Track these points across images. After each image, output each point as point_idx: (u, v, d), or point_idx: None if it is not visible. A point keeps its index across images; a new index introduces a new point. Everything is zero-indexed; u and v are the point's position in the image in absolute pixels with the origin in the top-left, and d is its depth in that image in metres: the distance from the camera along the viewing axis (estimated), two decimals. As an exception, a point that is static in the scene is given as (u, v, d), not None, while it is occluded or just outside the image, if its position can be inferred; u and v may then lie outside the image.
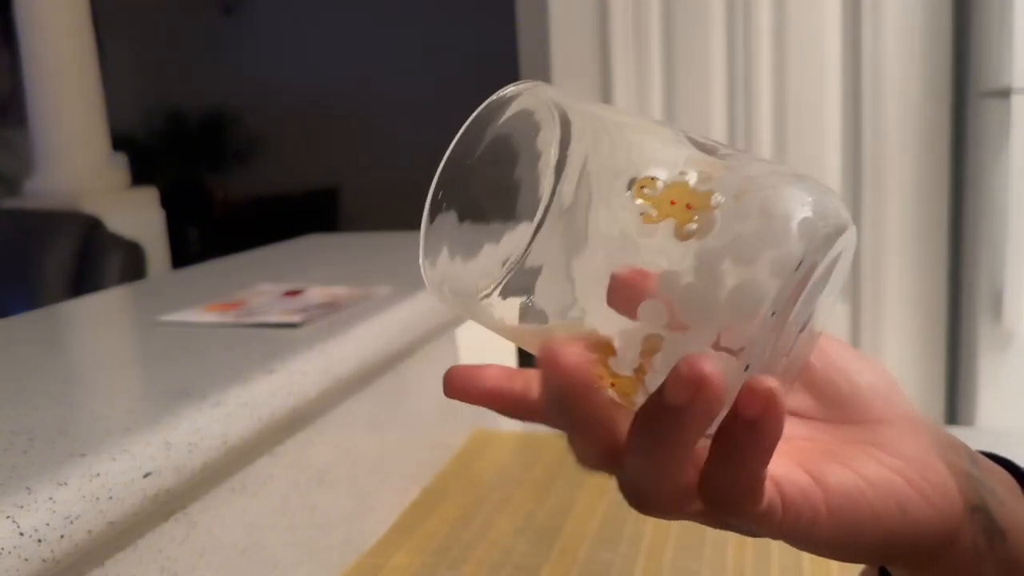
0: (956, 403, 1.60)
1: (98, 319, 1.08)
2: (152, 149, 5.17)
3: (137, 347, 0.90)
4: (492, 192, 0.30)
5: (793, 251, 0.27)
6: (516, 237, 0.28)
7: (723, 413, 0.26)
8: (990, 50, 1.46)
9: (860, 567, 0.44)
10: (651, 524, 0.84)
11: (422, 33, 5.29)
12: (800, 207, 0.28)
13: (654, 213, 0.28)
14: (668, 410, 0.25)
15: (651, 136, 0.31)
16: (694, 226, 0.27)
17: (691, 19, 1.60)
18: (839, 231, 0.28)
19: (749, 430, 0.25)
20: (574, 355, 0.26)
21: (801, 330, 0.30)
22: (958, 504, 0.32)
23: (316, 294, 0.98)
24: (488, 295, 0.29)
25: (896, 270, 1.56)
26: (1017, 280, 1.41)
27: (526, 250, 0.28)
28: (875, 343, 1.58)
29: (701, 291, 0.27)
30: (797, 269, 0.27)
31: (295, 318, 0.87)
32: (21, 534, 0.46)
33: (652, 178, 0.28)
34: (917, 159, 1.55)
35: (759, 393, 0.25)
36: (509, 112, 0.31)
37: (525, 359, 1.35)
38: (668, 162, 0.29)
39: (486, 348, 1.17)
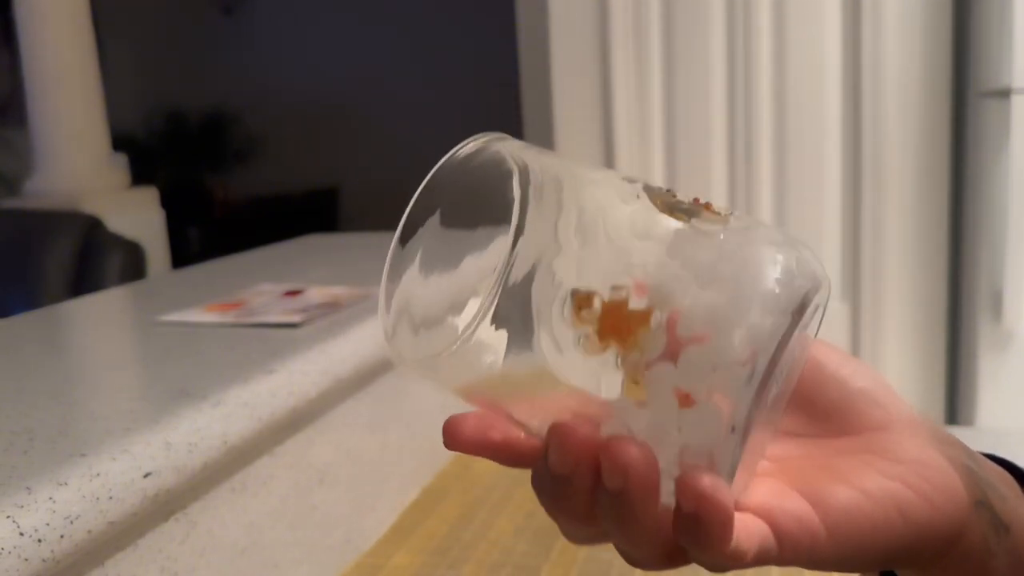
0: (956, 403, 1.60)
1: (98, 319, 1.08)
2: (152, 149, 5.17)
3: (137, 347, 0.90)
4: (455, 249, 0.30)
5: (742, 394, 0.26)
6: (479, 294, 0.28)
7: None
8: (990, 50, 1.46)
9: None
10: (651, 524, 0.84)
11: (422, 33, 5.29)
12: (745, 315, 0.26)
13: (595, 343, 0.27)
14: (610, 494, 0.26)
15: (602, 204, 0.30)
16: (636, 355, 0.27)
17: (691, 19, 1.60)
18: (791, 327, 0.27)
19: (692, 521, 0.26)
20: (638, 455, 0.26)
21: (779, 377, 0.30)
22: (963, 500, 0.31)
23: (316, 294, 0.98)
24: (456, 346, 0.28)
25: (896, 270, 1.56)
26: (1017, 280, 1.41)
27: (475, 323, 0.27)
28: (875, 343, 1.58)
29: (659, 423, 0.27)
30: (752, 381, 0.26)
31: (295, 318, 0.87)
32: (21, 534, 0.46)
33: (588, 295, 0.27)
34: (917, 159, 1.55)
35: (690, 491, 0.26)
36: (474, 163, 0.30)
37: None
38: (608, 264, 0.28)
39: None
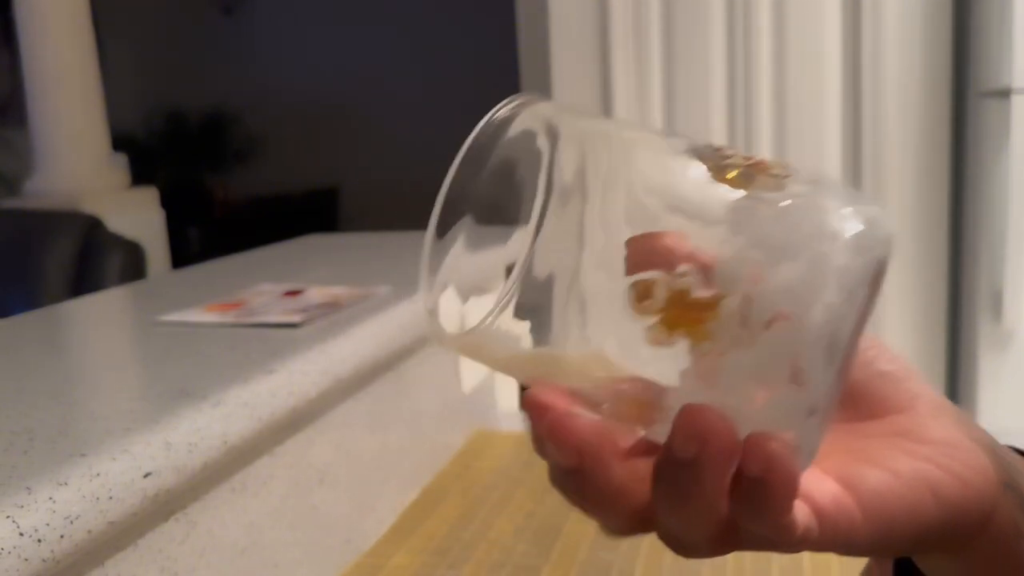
0: (956, 403, 1.60)
1: (98, 319, 1.08)
2: (152, 149, 5.17)
3: (137, 347, 0.90)
4: (494, 220, 0.29)
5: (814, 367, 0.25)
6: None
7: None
8: (990, 50, 1.46)
9: (861, 564, 0.44)
10: (651, 524, 0.84)
11: (422, 33, 5.30)
12: (816, 299, 0.24)
13: (663, 334, 0.26)
14: (679, 465, 0.25)
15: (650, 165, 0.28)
16: (708, 345, 0.25)
17: (691, 20, 1.60)
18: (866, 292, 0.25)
19: (758, 486, 0.25)
20: (585, 426, 0.26)
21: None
22: (992, 479, 0.31)
23: (316, 294, 0.98)
24: (491, 320, 0.27)
25: (896, 270, 1.56)
26: (1017, 280, 1.41)
27: (521, 274, 0.26)
28: (875, 343, 1.58)
29: (733, 408, 0.25)
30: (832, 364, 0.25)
31: (295, 318, 0.87)
32: (21, 534, 0.46)
33: (648, 283, 0.26)
34: (917, 159, 1.55)
35: (758, 454, 0.25)
36: (508, 134, 0.28)
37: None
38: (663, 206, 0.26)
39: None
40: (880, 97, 1.53)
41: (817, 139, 1.57)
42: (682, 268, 0.25)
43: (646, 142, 0.29)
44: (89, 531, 0.50)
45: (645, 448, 0.29)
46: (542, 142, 0.28)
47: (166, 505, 0.59)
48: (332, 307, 0.92)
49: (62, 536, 0.48)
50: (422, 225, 0.30)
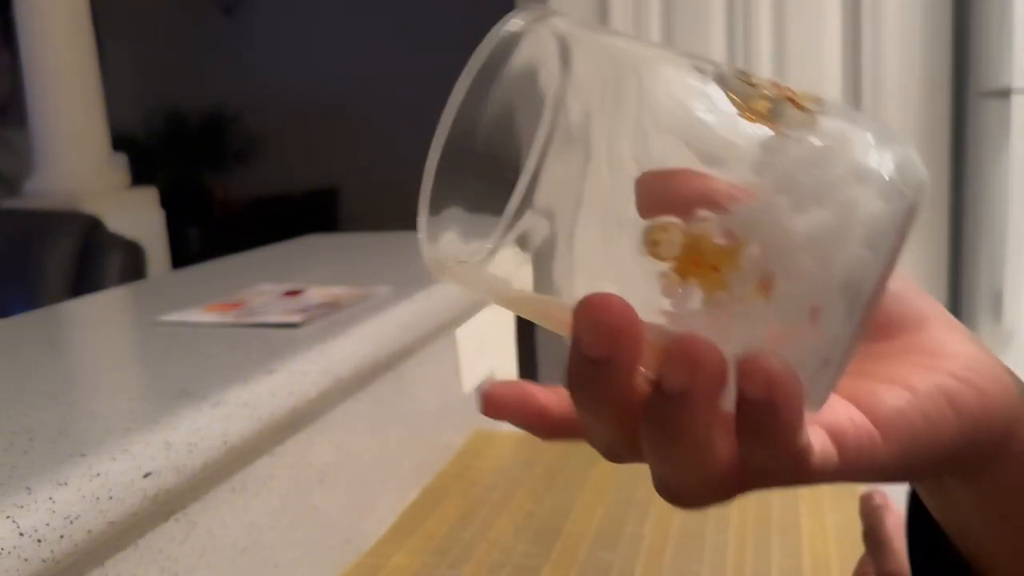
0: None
1: (98, 319, 1.08)
2: (152, 149, 5.17)
3: (137, 347, 0.90)
4: (502, 156, 0.26)
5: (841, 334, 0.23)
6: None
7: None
8: (990, 50, 1.46)
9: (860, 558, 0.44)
10: (651, 524, 0.84)
11: (422, 33, 5.29)
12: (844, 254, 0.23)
13: (675, 282, 0.24)
14: (670, 398, 0.23)
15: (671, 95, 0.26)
16: (723, 295, 0.23)
17: (691, 22, 1.60)
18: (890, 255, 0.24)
19: (762, 410, 0.23)
20: (621, 303, 0.23)
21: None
22: (1013, 392, 0.29)
23: (316, 294, 0.98)
24: (492, 253, 0.25)
25: (897, 270, 1.56)
26: (1017, 280, 1.41)
27: (524, 197, 0.24)
28: (875, 343, 1.58)
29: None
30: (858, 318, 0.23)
31: (295, 318, 0.87)
32: (21, 534, 0.46)
33: (664, 227, 0.24)
34: (917, 159, 1.55)
35: (758, 373, 0.22)
36: (515, 59, 0.26)
37: (525, 361, 1.35)
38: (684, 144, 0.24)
39: (486, 347, 1.17)
40: (880, 97, 1.53)
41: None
42: (701, 213, 0.24)
43: (664, 65, 0.27)
44: (89, 531, 0.50)
45: None
46: (552, 66, 0.26)
47: (166, 505, 0.59)
48: (332, 307, 0.92)
49: (62, 536, 0.48)
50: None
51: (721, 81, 0.25)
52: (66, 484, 0.50)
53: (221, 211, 5.41)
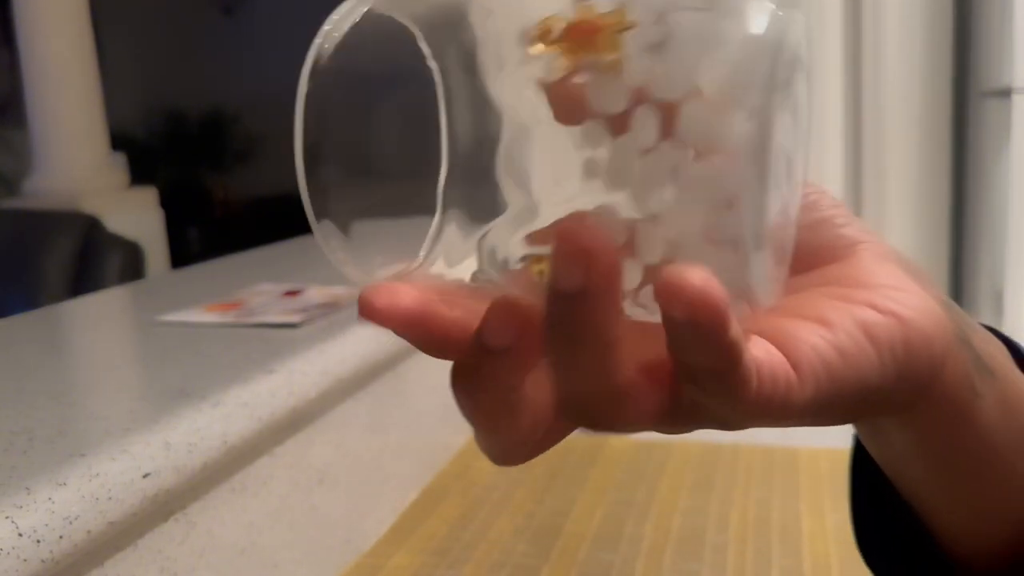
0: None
1: (98, 319, 1.08)
2: (152, 149, 5.17)
3: (137, 347, 0.90)
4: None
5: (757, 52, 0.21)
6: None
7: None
8: (991, 50, 1.46)
9: (863, 566, 0.43)
10: (651, 525, 0.84)
11: (422, 33, 5.29)
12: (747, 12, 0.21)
13: (563, 64, 0.22)
14: (566, 299, 0.21)
15: None
16: (615, 59, 0.21)
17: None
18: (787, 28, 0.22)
19: (686, 328, 0.21)
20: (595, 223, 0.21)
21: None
22: (944, 325, 0.27)
23: (316, 294, 0.98)
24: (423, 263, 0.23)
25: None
26: (1018, 279, 1.41)
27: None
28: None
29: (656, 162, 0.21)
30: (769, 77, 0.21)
31: (295, 318, 0.87)
32: (20, 535, 0.46)
33: (547, 21, 0.22)
34: (918, 159, 1.55)
35: (678, 293, 0.20)
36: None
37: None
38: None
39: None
40: (881, 97, 1.53)
41: (818, 138, 1.56)
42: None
43: None
44: (88, 531, 0.50)
45: None
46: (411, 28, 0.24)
47: (165, 505, 0.59)
48: (332, 307, 0.92)
49: (61, 537, 0.48)
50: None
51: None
52: (65, 484, 0.50)
53: (221, 211, 5.41)
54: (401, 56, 0.25)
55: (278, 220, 4.06)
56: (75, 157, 3.02)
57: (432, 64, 0.24)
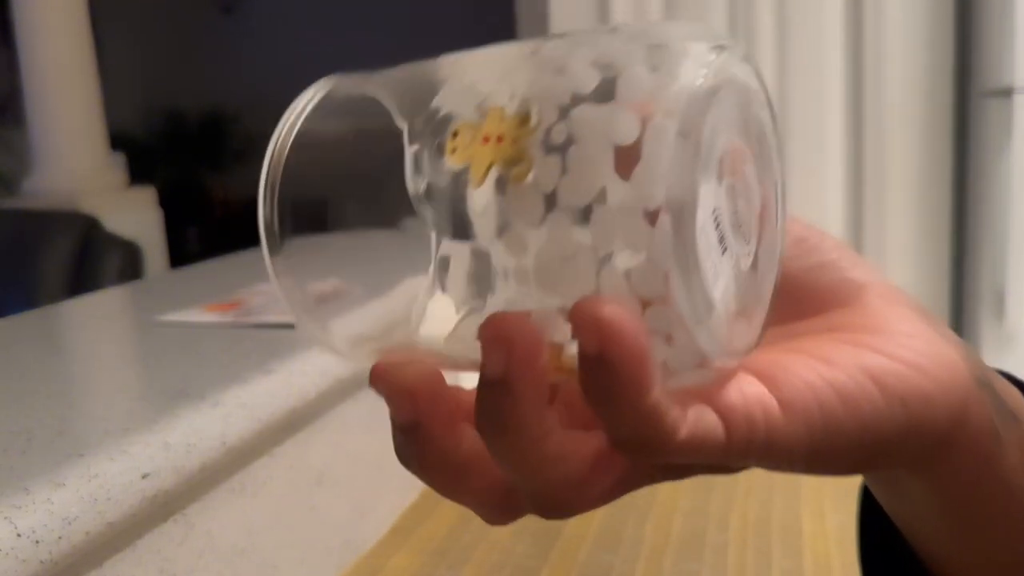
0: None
1: (96, 319, 1.08)
2: (151, 148, 5.16)
3: (136, 347, 0.90)
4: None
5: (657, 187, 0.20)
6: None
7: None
8: (992, 50, 1.46)
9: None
10: (652, 526, 0.84)
11: (422, 32, 5.29)
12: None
13: (479, 171, 0.22)
14: (493, 387, 0.21)
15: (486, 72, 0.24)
16: (523, 167, 0.21)
17: (691, 20, 1.60)
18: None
19: (598, 368, 0.20)
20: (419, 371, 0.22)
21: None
22: (962, 373, 0.25)
23: (315, 294, 0.98)
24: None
25: (898, 270, 1.56)
26: (1020, 280, 1.41)
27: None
28: (875, 344, 1.58)
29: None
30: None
31: (294, 318, 0.87)
32: (18, 535, 0.46)
33: (455, 130, 0.22)
34: (919, 159, 1.55)
35: (589, 324, 0.19)
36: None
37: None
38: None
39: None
40: (882, 97, 1.53)
41: (819, 138, 1.56)
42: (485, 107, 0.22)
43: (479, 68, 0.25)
44: (87, 532, 0.50)
45: None
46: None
47: (164, 506, 0.59)
48: (331, 307, 0.92)
49: (60, 537, 0.48)
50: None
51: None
52: (64, 485, 0.50)
53: (220, 211, 5.41)
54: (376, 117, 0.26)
55: (277, 220, 4.06)
56: (74, 157, 3.01)
57: (401, 124, 0.24)
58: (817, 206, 1.55)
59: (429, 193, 0.24)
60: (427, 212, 0.24)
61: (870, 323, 0.25)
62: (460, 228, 0.23)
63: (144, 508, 0.55)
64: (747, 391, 0.23)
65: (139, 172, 3.47)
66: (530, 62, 0.23)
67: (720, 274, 0.22)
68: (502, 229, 0.22)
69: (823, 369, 0.23)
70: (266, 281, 0.92)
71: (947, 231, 1.58)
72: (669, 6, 1.62)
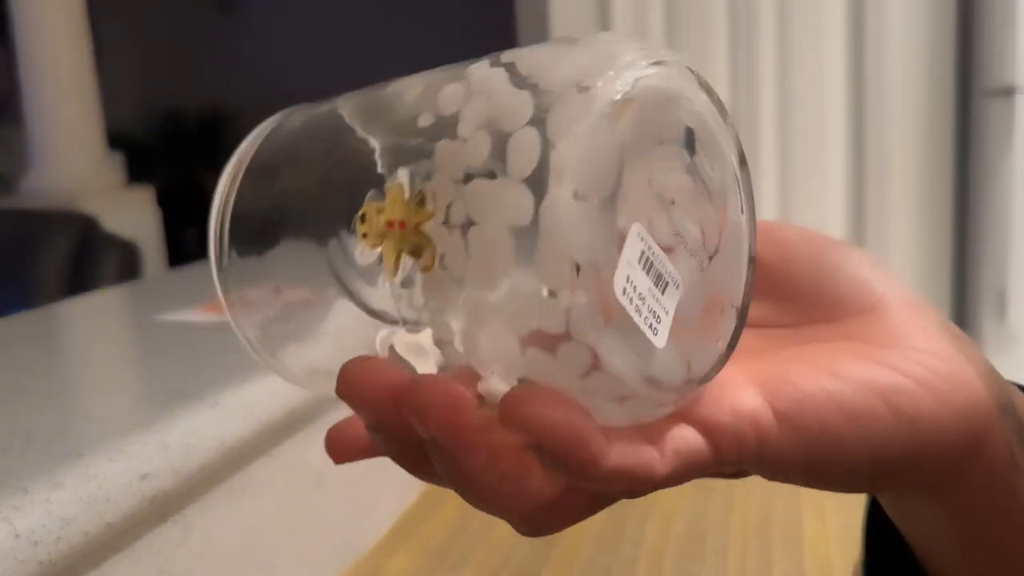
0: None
1: (95, 319, 1.08)
2: (149, 148, 5.16)
3: (134, 347, 0.90)
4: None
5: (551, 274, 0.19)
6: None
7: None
8: (993, 49, 1.46)
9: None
10: (652, 527, 0.84)
11: (422, 32, 5.29)
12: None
13: (387, 265, 0.22)
14: (433, 448, 0.21)
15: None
16: (428, 256, 0.21)
17: (692, 23, 1.60)
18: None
19: (545, 456, 0.20)
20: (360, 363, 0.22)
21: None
22: (981, 397, 0.23)
23: (315, 294, 0.98)
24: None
25: (900, 270, 1.56)
26: (1021, 280, 1.41)
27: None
28: (875, 344, 1.58)
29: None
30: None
31: (294, 318, 0.86)
32: (17, 536, 0.46)
33: (366, 209, 0.22)
34: (921, 158, 1.55)
35: (518, 425, 0.19)
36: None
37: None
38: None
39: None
40: (883, 96, 1.53)
41: (820, 138, 1.56)
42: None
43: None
44: (86, 533, 0.50)
45: None
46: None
47: (163, 507, 0.59)
48: (331, 307, 0.91)
49: (58, 538, 0.48)
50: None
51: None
52: (62, 485, 0.50)
53: (218, 210, 5.40)
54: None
55: (276, 220, 4.05)
56: (72, 156, 3.01)
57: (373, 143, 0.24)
58: (818, 206, 1.55)
59: (360, 274, 0.24)
60: (363, 293, 0.24)
61: (887, 336, 0.24)
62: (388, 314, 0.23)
63: (143, 509, 0.54)
64: (740, 406, 0.22)
65: (138, 171, 3.46)
66: (430, 118, 0.22)
67: (665, 309, 0.21)
68: (425, 314, 0.22)
69: (828, 382, 0.22)
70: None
71: (948, 231, 1.58)
72: (669, 6, 1.62)
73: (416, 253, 0.21)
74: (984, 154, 1.50)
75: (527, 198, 0.19)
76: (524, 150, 0.19)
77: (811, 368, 0.23)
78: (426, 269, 0.21)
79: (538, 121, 0.19)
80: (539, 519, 0.22)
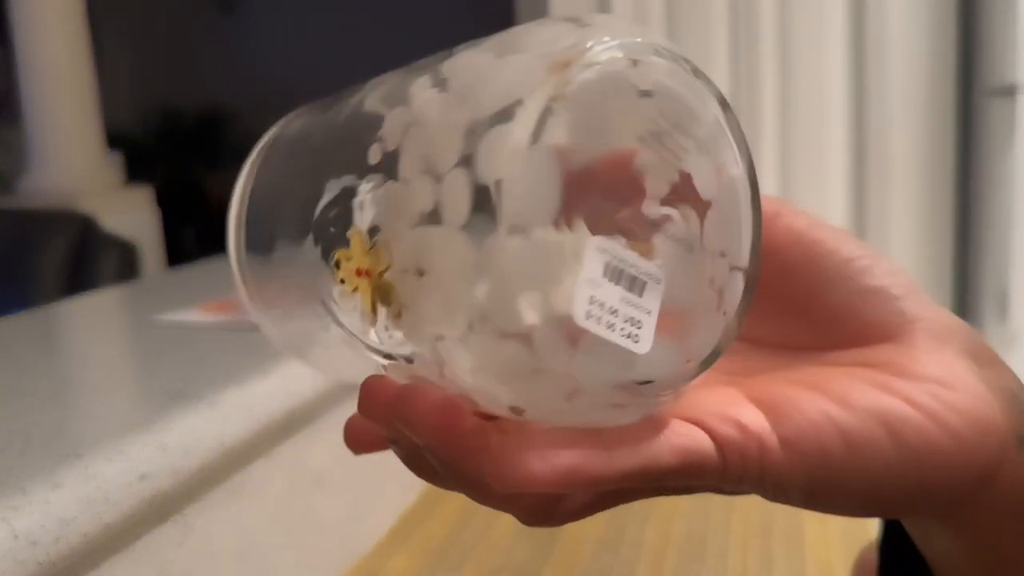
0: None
1: (93, 319, 1.07)
2: (148, 147, 5.15)
3: (133, 347, 0.89)
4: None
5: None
6: None
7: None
8: (995, 48, 1.46)
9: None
10: (653, 528, 0.84)
11: (422, 32, 5.29)
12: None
13: (359, 303, 0.23)
14: (395, 445, 0.24)
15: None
16: (395, 305, 0.21)
17: (692, 25, 1.59)
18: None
19: (433, 457, 0.22)
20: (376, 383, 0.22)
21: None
22: (998, 431, 0.23)
23: (314, 294, 0.98)
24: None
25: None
26: (1023, 280, 1.41)
27: None
28: (875, 344, 1.57)
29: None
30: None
31: (293, 318, 0.86)
32: (15, 536, 0.45)
33: (339, 254, 0.23)
34: (922, 158, 1.55)
35: (405, 418, 0.21)
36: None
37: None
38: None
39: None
40: (885, 96, 1.53)
41: (821, 137, 1.56)
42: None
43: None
44: (85, 534, 0.49)
45: None
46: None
47: (162, 508, 0.59)
48: (330, 307, 0.91)
49: (57, 539, 0.48)
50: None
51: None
52: (61, 486, 0.49)
53: (217, 210, 5.40)
54: None
55: (275, 220, 4.05)
56: (70, 156, 3.01)
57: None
58: (819, 205, 1.55)
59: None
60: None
61: (906, 365, 0.23)
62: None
63: (142, 509, 0.54)
64: (748, 423, 0.22)
65: (136, 171, 3.46)
66: (378, 154, 0.22)
67: (646, 310, 0.21)
68: (412, 350, 0.22)
69: (834, 409, 0.22)
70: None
71: (950, 230, 1.57)
72: (669, 6, 1.62)
73: (385, 300, 0.22)
74: (985, 153, 1.50)
75: (466, 247, 0.19)
76: (456, 196, 0.19)
77: (818, 395, 0.23)
78: (396, 316, 0.21)
79: (467, 159, 0.19)
80: (542, 511, 0.24)
